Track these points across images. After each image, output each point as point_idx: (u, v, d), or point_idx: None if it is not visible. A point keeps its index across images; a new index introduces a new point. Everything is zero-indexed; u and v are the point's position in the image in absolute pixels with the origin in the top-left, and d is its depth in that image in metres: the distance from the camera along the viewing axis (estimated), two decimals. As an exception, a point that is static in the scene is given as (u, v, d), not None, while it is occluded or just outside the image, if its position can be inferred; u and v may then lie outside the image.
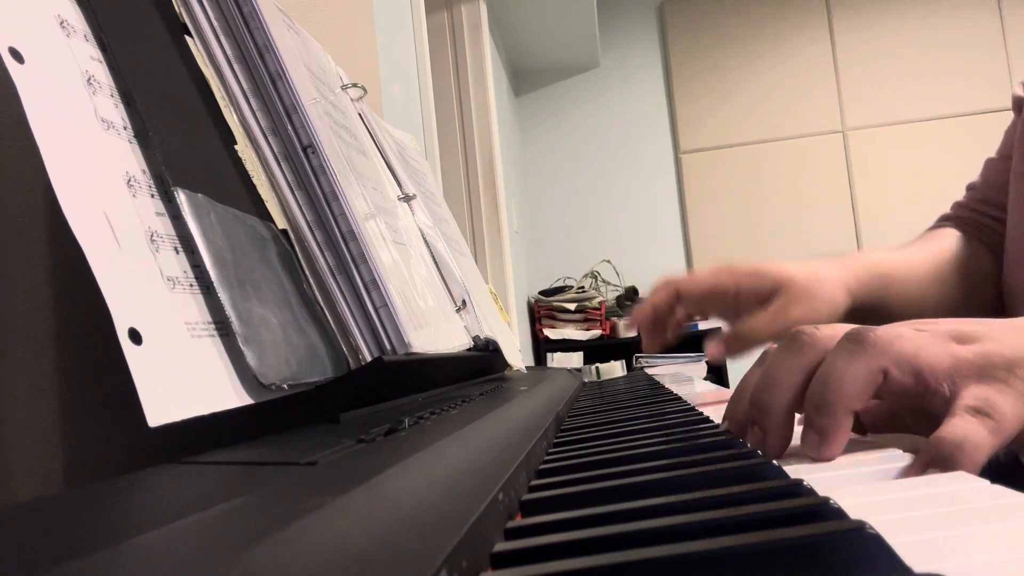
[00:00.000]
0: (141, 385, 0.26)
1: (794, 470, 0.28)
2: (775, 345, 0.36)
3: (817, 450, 0.30)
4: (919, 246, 0.79)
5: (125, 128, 0.32)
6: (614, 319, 2.91)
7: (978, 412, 0.28)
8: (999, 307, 0.72)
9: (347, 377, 0.39)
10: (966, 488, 0.24)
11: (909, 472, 0.27)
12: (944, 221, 0.87)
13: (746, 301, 0.60)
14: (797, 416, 0.33)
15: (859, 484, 0.27)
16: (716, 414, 0.53)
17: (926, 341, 0.30)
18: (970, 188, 0.86)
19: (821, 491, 0.23)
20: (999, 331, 0.31)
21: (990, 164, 0.83)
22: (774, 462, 0.28)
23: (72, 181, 0.27)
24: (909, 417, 0.36)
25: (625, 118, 3.45)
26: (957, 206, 0.87)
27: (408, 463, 0.21)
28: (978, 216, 0.83)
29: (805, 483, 0.23)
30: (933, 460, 0.27)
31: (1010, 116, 0.77)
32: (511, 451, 0.30)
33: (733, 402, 0.38)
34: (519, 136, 3.41)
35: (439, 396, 0.51)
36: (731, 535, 0.19)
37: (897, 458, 0.29)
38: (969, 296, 0.72)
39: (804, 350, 0.32)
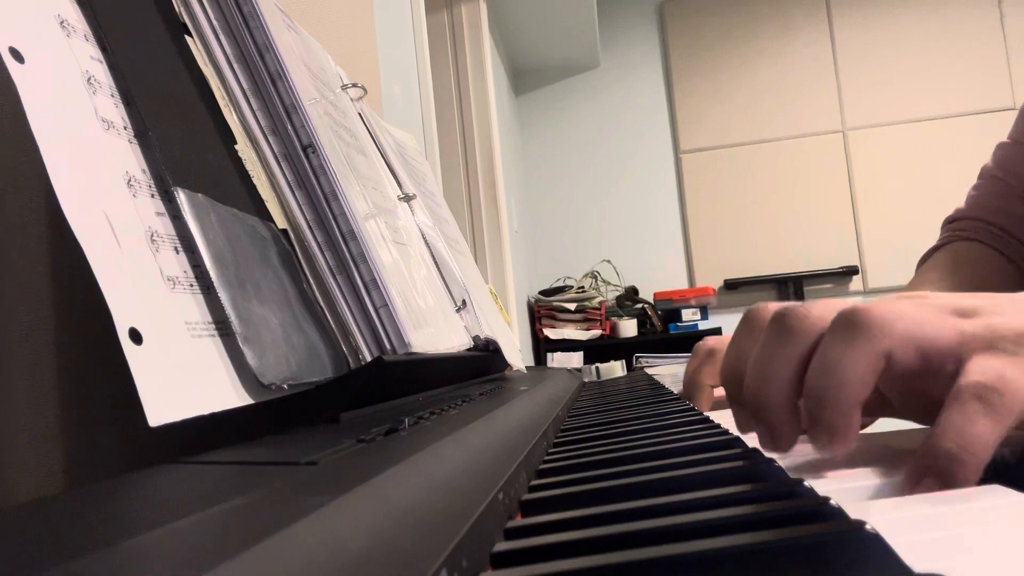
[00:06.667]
0: (141, 385, 0.26)
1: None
2: (762, 305, 0.34)
3: (828, 447, 0.27)
4: (948, 268, 0.78)
5: (125, 128, 0.32)
6: (614, 319, 2.91)
7: (984, 390, 0.25)
8: None
9: (347, 377, 0.39)
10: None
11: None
12: (951, 234, 0.86)
13: None
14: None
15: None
16: (715, 414, 0.53)
17: (930, 316, 0.27)
18: (983, 177, 0.82)
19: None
20: (1003, 304, 0.28)
21: (1006, 149, 0.79)
22: (776, 462, 0.28)
23: (72, 181, 0.27)
24: (897, 399, 0.33)
25: (625, 118, 3.45)
26: (961, 213, 0.85)
27: (408, 463, 0.21)
28: (984, 225, 0.81)
29: (805, 483, 0.23)
30: (927, 470, 0.24)
31: (1009, 116, 0.77)
32: (511, 451, 0.30)
33: (727, 372, 0.35)
34: (519, 136, 3.41)
35: (439, 396, 0.51)
36: (731, 535, 0.19)
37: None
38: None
39: (796, 336, 0.29)
